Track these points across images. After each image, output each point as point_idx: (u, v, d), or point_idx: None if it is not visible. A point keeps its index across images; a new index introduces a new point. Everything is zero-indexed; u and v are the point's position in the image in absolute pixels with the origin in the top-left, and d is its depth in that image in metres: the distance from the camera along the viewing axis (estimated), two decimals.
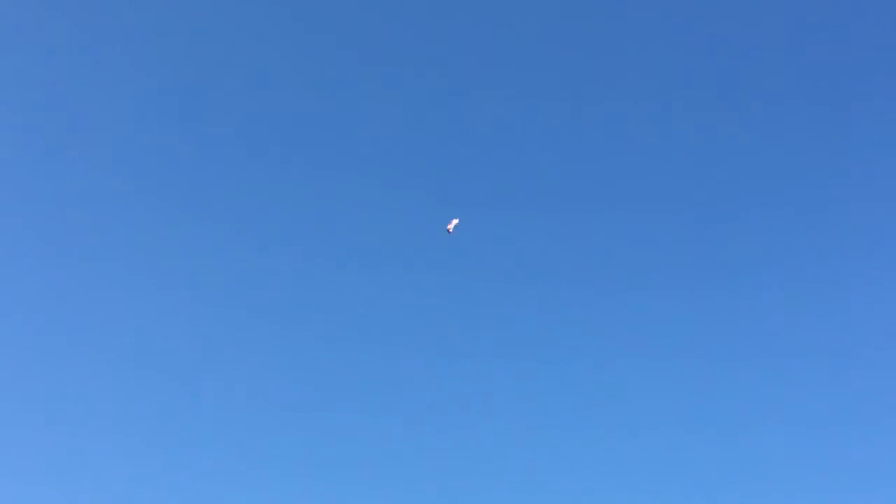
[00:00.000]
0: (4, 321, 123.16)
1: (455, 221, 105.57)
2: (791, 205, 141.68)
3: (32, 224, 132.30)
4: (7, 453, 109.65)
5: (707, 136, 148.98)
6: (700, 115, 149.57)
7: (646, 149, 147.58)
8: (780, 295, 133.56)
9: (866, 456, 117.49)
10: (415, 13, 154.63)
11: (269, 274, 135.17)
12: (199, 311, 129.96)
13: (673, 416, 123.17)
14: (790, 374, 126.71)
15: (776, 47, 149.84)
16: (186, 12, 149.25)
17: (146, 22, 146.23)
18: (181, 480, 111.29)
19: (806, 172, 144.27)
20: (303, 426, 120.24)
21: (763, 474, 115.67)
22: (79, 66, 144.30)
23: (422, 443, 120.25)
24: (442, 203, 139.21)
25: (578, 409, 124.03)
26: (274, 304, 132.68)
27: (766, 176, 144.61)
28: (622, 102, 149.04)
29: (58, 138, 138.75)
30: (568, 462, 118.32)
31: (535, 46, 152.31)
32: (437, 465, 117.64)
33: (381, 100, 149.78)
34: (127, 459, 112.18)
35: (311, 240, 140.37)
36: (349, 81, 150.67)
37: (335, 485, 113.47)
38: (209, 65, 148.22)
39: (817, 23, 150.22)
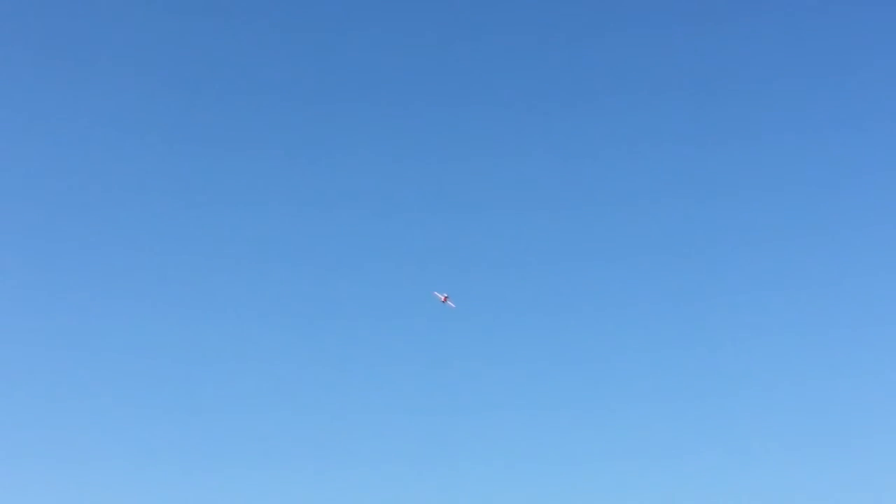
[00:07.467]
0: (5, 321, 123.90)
1: (444, 297, 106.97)
2: None
3: (31, 224, 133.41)
4: (7, 453, 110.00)
5: None
6: None
7: None
8: None
9: None
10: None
11: (269, 276, 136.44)
12: (200, 311, 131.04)
13: None
14: None
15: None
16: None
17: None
18: (184, 478, 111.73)
19: None
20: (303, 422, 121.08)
21: None
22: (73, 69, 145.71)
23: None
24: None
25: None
26: (273, 305, 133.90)
27: None
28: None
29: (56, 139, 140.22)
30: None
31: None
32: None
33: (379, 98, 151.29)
34: (127, 459, 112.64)
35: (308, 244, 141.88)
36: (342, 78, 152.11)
37: (336, 479, 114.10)
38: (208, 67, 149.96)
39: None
